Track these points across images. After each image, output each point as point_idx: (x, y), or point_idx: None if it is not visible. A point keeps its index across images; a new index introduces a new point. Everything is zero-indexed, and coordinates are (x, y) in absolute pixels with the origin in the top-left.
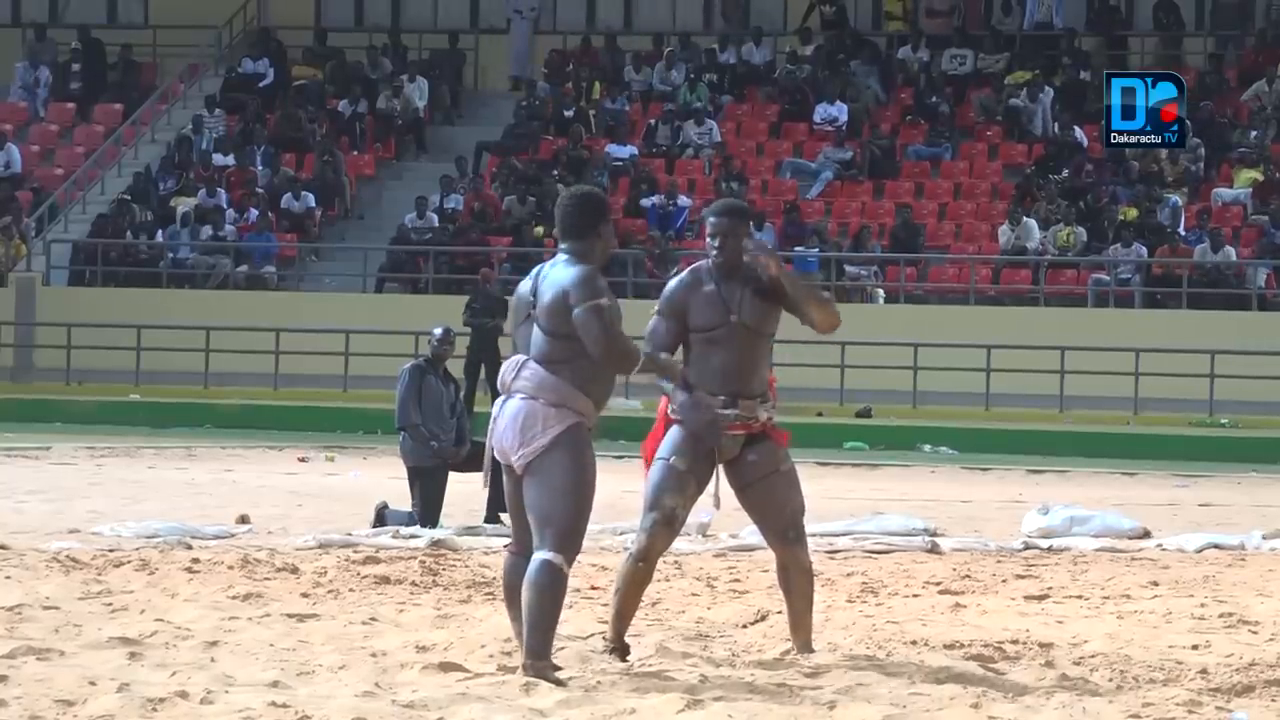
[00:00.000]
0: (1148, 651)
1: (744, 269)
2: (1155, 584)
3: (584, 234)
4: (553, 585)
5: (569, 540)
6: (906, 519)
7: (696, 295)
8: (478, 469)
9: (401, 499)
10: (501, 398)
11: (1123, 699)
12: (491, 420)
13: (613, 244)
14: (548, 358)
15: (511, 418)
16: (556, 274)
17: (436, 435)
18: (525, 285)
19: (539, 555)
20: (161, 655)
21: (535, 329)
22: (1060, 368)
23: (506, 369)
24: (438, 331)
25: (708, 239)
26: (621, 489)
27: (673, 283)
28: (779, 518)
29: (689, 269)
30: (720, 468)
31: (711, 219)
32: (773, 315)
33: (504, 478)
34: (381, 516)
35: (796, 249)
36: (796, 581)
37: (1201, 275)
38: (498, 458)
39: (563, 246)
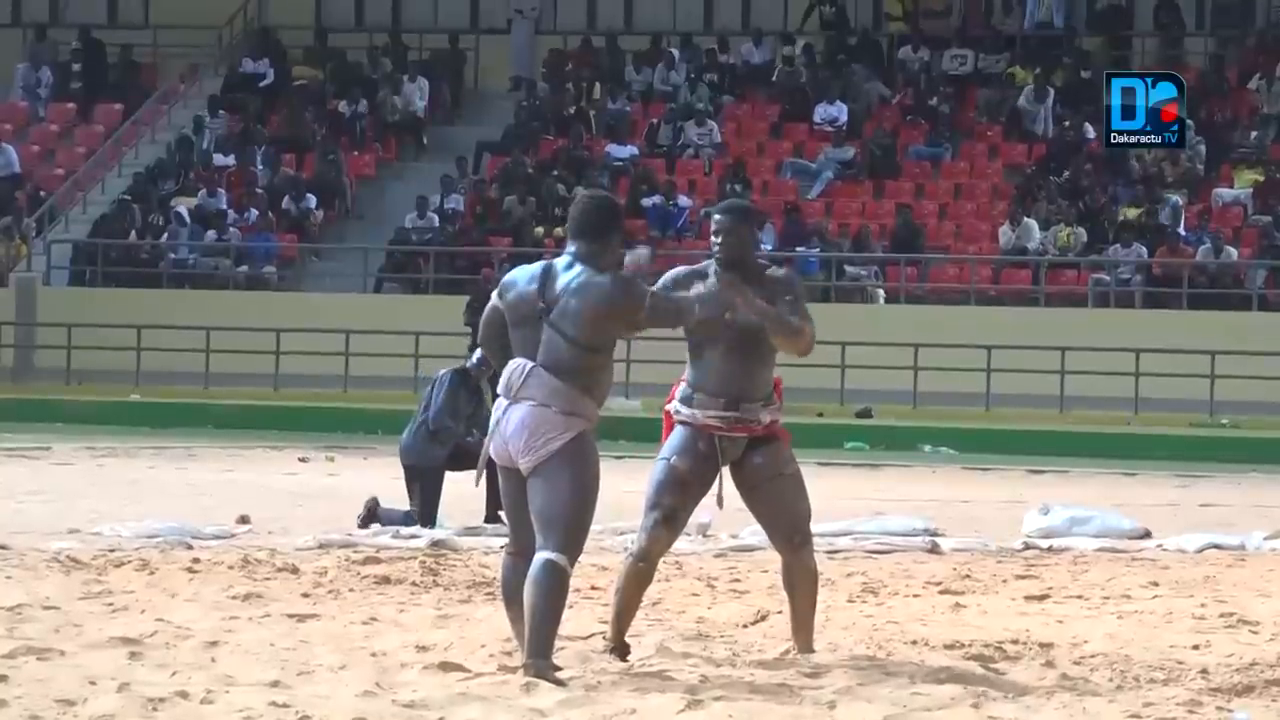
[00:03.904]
0: (1148, 651)
1: (748, 269)
2: (1155, 584)
3: (599, 237)
4: (556, 585)
5: (573, 541)
6: (907, 519)
7: (698, 287)
8: (471, 467)
9: (399, 499)
10: (506, 402)
11: (1123, 699)
12: (494, 423)
13: (621, 253)
14: (562, 365)
15: (520, 423)
16: (589, 286)
17: (471, 433)
18: (527, 284)
19: (543, 555)
20: (162, 655)
21: (551, 336)
22: (1061, 368)
23: (512, 373)
24: (478, 356)
25: (712, 237)
26: (622, 488)
27: (678, 269)
28: (785, 522)
29: (700, 264)
30: (725, 470)
31: (716, 217)
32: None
33: (500, 479)
34: (373, 513)
35: (797, 249)
36: (801, 584)
37: (1202, 276)
38: (496, 459)
39: (572, 248)
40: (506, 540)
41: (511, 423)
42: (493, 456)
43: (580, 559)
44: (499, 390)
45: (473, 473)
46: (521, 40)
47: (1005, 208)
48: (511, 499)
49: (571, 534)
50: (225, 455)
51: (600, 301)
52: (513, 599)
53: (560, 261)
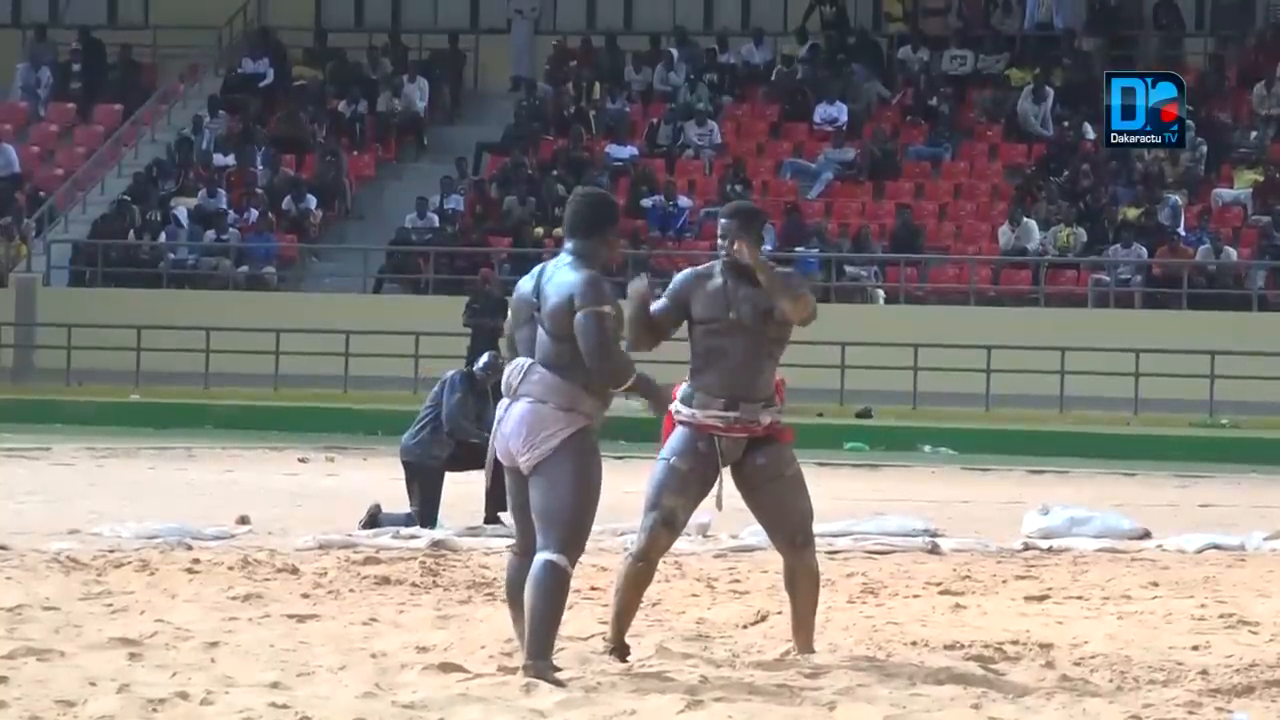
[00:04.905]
0: (1148, 652)
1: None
2: (1155, 585)
3: (591, 234)
4: (555, 586)
5: (573, 541)
6: (907, 519)
7: (702, 287)
8: (471, 467)
9: (398, 500)
10: (507, 400)
11: (1123, 700)
12: (496, 421)
13: (619, 251)
14: (554, 361)
15: (519, 420)
16: (561, 276)
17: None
18: (526, 286)
19: (542, 555)
20: (162, 656)
21: (540, 332)
22: (1060, 368)
23: (512, 372)
24: (485, 360)
25: (718, 239)
26: (623, 489)
27: (684, 272)
28: (786, 522)
29: (705, 265)
30: (725, 471)
31: (722, 220)
32: (777, 317)
33: (506, 479)
34: (375, 520)
35: (797, 249)
36: (802, 585)
37: (1201, 276)
38: (500, 459)
39: (568, 246)
40: (512, 540)
41: (511, 420)
42: (498, 456)
43: (580, 559)
44: (502, 389)
45: (472, 472)
46: (521, 40)
47: (1005, 208)
48: (516, 499)
49: (572, 533)
50: (225, 456)
51: (564, 293)
52: (516, 599)
53: (554, 260)
